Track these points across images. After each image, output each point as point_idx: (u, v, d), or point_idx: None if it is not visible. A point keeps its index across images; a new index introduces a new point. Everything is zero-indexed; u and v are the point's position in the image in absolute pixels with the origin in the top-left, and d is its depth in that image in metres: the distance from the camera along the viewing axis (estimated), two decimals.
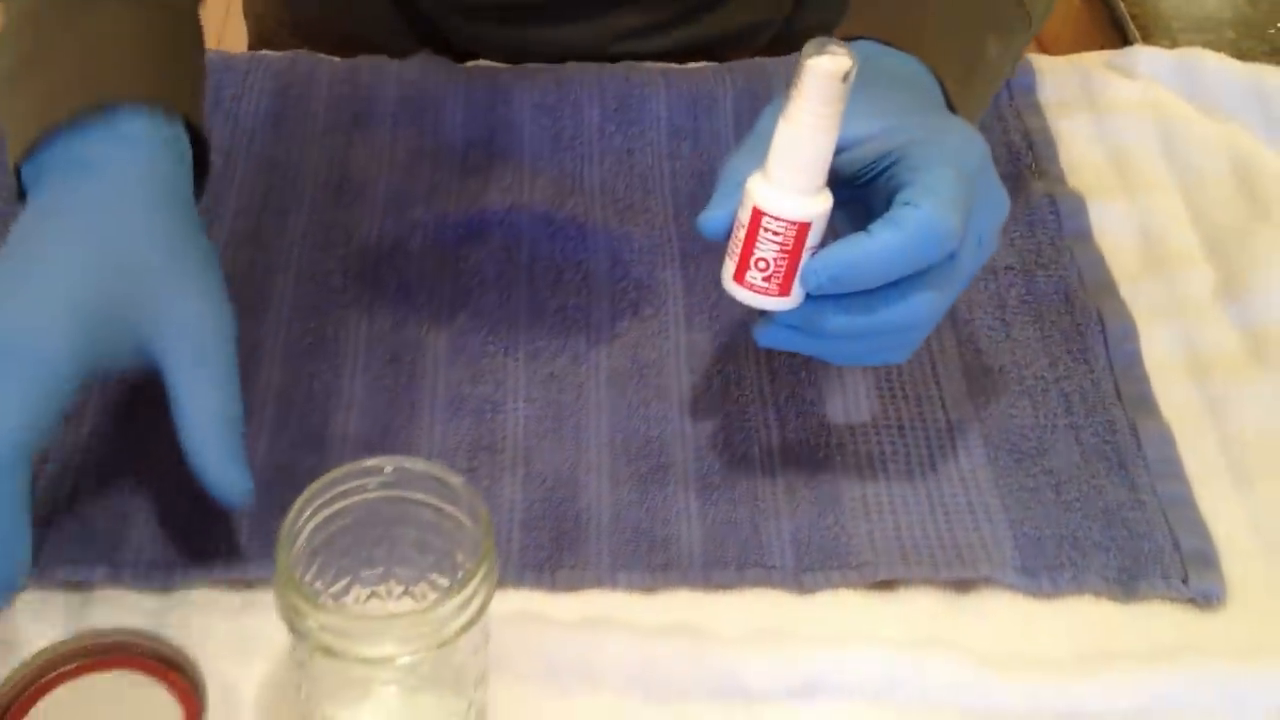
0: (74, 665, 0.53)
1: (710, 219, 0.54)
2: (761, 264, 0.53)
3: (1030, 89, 0.82)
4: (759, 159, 0.52)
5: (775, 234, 0.52)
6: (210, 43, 0.67)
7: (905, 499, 0.61)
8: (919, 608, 0.59)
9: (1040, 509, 0.61)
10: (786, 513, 0.61)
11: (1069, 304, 0.70)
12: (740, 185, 0.53)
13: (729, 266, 0.54)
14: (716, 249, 0.55)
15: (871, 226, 0.52)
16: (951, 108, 0.59)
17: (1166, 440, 0.64)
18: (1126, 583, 0.59)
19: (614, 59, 0.82)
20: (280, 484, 0.60)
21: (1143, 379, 0.67)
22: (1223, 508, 0.62)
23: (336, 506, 0.50)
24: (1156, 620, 0.58)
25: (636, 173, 0.76)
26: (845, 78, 0.49)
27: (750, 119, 0.78)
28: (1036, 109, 0.80)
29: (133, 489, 0.60)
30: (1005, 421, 0.65)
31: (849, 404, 0.65)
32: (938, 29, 0.60)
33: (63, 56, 0.59)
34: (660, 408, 0.65)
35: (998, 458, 0.63)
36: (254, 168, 0.75)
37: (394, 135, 0.77)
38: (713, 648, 0.56)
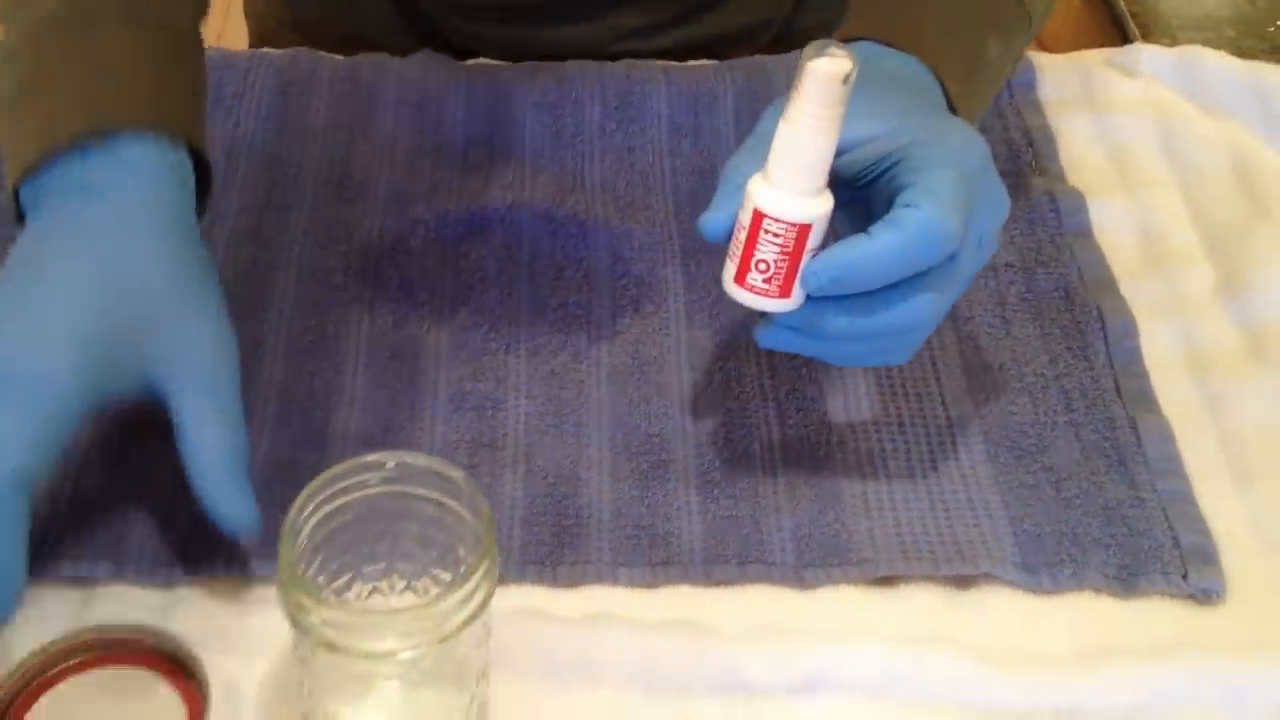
0: (77, 661, 0.53)
1: (711, 221, 0.55)
2: (762, 265, 0.53)
3: (1030, 86, 0.82)
4: (760, 160, 0.52)
5: (776, 236, 0.52)
6: (210, 42, 0.67)
7: (905, 495, 0.62)
8: (919, 604, 0.59)
9: (1040, 506, 0.61)
10: (787, 509, 0.61)
11: (1069, 301, 0.70)
12: (741, 187, 0.53)
13: (729, 268, 0.54)
14: (717, 247, 0.55)
15: (872, 228, 0.52)
16: (952, 108, 0.59)
17: (1166, 437, 0.64)
18: (1126, 579, 0.59)
19: (614, 58, 0.82)
20: (282, 481, 0.60)
21: (1143, 376, 0.67)
22: (1222, 504, 0.62)
23: (338, 502, 0.50)
24: (1156, 616, 0.59)
25: (637, 170, 0.76)
26: (846, 80, 0.50)
27: (750, 116, 0.78)
28: (1036, 106, 0.80)
29: (136, 485, 0.60)
30: (1005, 418, 0.65)
31: (849, 401, 0.65)
32: (938, 29, 0.60)
33: (65, 79, 0.58)
34: (661, 404, 0.65)
35: (998, 454, 0.63)
36: (255, 165, 0.75)
37: (395, 133, 0.77)
38: (713, 644, 0.56)
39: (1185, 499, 0.62)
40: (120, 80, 0.58)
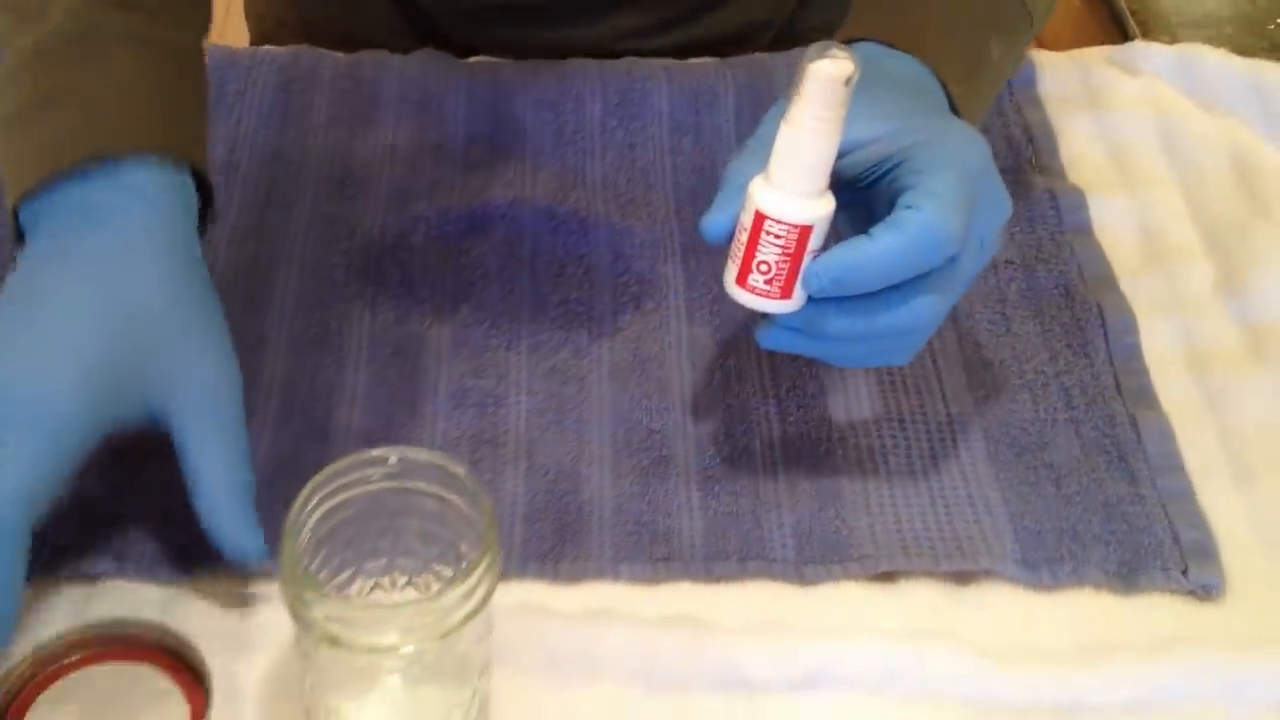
0: (79, 656, 0.53)
1: (712, 222, 0.55)
2: (763, 267, 0.53)
3: (1031, 84, 0.82)
4: (761, 162, 0.53)
5: (777, 237, 0.52)
6: (210, 41, 0.67)
7: (906, 492, 0.62)
8: (919, 600, 0.59)
9: (1040, 502, 0.61)
10: (788, 505, 0.61)
11: (1069, 298, 0.70)
12: (742, 188, 0.53)
13: (731, 270, 0.54)
14: (717, 245, 0.55)
15: (873, 230, 0.52)
16: (954, 109, 0.59)
17: (1166, 434, 0.64)
18: (1126, 575, 0.59)
19: (615, 57, 0.82)
20: (284, 477, 0.60)
21: (1143, 373, 0.67)
22: (1222, 501, 0.62)
23: (341, 498, 0.50)
24: (1156, 612, 0.59)
25: (638, 167, 0.76)
26: (847, 82, 0.50)
27: (751, 114, 0.78)
28: (1037, 104, 0.81)
29: (138, 481, 0.60)
30: (1005, 415, 0.65)
31: (850, 398, 0.65)
32: (939, 30, 0.60)
33: (68, 101, 0.57)
34: (662, 401, 0.65)
35: (998, 451, 0.63)
36: (257, 162, 0.75)
37: (396, 130, 0.77)
38: (714, 639, 0.57)
39: (1185, 495, 0.62)
40: (125, 103, 0.58)
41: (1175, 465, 0.63)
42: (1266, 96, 0.82)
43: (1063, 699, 0.56)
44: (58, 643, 0.53)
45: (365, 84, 0.79)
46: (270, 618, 0.57)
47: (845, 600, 0.59)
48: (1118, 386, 0.66)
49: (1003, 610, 0.59)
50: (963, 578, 0.59)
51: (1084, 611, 0.59)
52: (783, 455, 0.63)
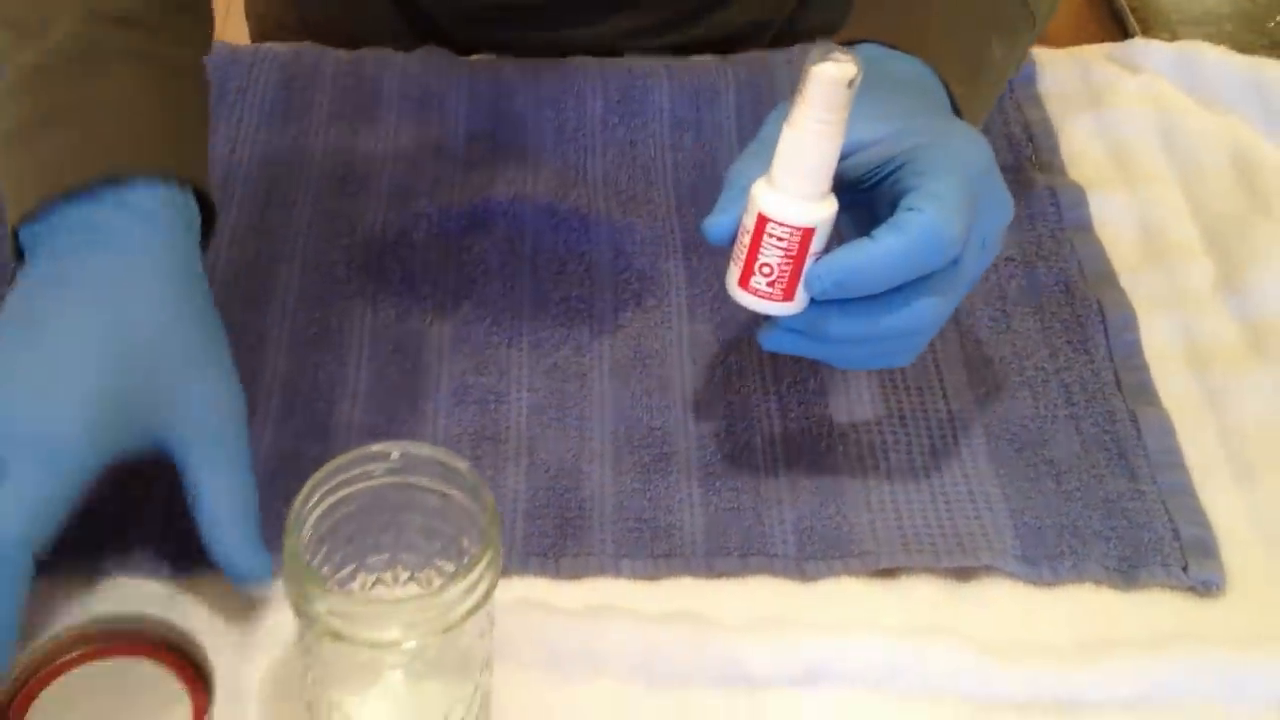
0: (81, 652, 0.54)
1: (715, 224, 0.55)
2: (766, 269, 0.53)
3: (1031, 81, 0.82)
4: (764, 164, 0.53)
5: (780, 239, 0.52)
6: None
7: (907, 488, 0.62)
8: (920, 596, 0.59)
9: (1041, 498, 0.62)
10: (789, 501, 0.61)
11: (1069, 295, 0.70)
12: (745, 190, 0.53)
13: (733, 272, 0.54)
14: (720, 246, 0.55)
15: (875, 232, 0.52)
16: (956, 110, 0.59)
17: (1166, 430, 0.64)
18: (1127, 571, 0.59)
19: (615, 57, 0.82)
20: (285, 473, 0.60)
21: (1143, 369, 0.67)
22: (1222, 497, 0.63)
23: (343, 493, 0.50)
24: (1156, 609, 0.59)
25: (639, 164, 0.76)
26: (850, 84, 0.50)
27: (752, 111, 0.78)
28: (1037, 101, 0.81)
29: (141, 477, 0.60)
30: (1006, 412, 0.65)
31: (851, 394, 0.65)
32: (941, 31, 0.60)
33: (68, 120, 0.56)
34: (663, 398, 0.65)
35: (998, 447, 0.63)
36: (258, 159, 0.75)
37: (398, 127, 0.77)
38: (715, 635, 0.57)
39: (1185, 492, 0.62)
40: (125, 122, 0.57)
41: (1175, 461, 0.63)
42: (1266, 94, 0.82)
43: (1063, 695, 0.56)
44: (61, 638, 0.53)
45: (367, 81, 0.80)
46: (273, 612, 0.57)
47: (846, 596, 0.59)
48: (1118, 383, 0.66)
49: (1003, 606, 0.59)
50: (963, 574, 0.59)
51: (1084, 607, 0.59)
52: (784, 451, 0.63)
